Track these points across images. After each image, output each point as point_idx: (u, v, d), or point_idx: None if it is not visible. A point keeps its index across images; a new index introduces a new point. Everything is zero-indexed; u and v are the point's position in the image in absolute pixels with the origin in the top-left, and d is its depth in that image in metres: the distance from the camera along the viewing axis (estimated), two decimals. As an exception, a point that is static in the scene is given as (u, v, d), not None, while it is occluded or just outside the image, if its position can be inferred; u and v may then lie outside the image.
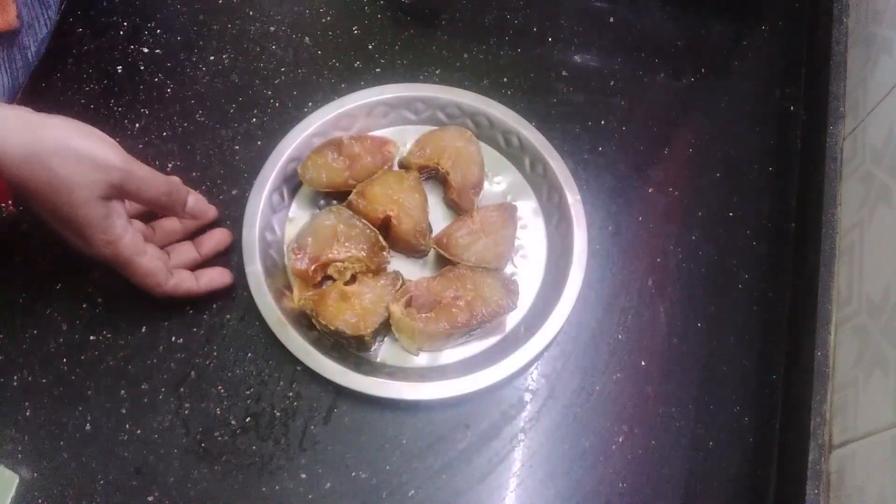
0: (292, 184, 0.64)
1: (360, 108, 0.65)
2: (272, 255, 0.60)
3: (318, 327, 0.57)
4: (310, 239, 0.59)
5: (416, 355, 0.59)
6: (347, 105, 0.64)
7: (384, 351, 0.59)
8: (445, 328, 0.56)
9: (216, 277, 0.58)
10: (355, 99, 0.65)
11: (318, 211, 0.62)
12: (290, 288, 0.60)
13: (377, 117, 0.66)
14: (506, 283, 0.58)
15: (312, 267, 0.58)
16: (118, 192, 0.49)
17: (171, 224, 0.58)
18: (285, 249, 0.61)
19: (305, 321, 0.58)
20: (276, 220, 0.62)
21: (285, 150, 0.62)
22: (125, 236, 0.50)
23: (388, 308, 0.56)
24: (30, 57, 0.61)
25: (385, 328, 0.58)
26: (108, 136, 0.49)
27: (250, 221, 0.60)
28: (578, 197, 0.62)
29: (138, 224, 0.55)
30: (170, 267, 0.55)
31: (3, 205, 0.46)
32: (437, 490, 0.56)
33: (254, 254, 0.58)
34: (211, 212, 0.59)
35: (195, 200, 0.56)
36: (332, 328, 0.55)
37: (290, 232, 0.62)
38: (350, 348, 0.58)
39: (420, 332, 0.56)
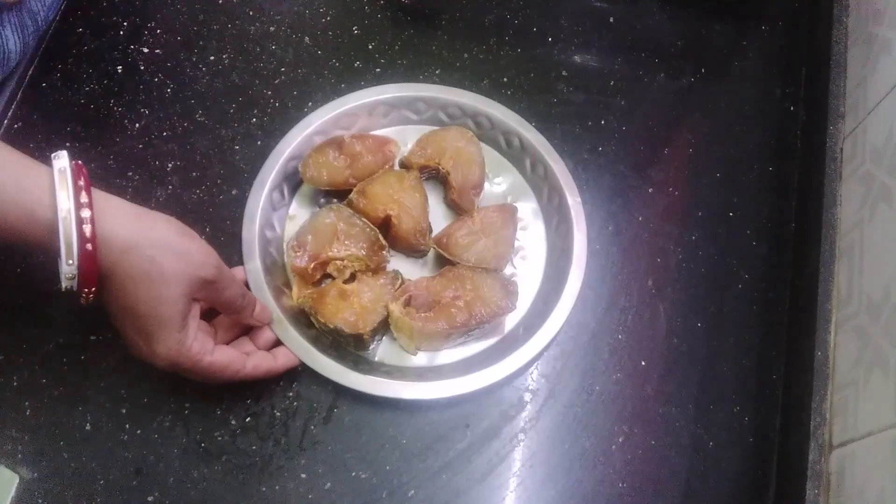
0: (293, 182, 0.64)
1: (361, 107, 0.65)
2: (272, 253, 0.60)
3: (316, 325, 0.57)
4: (310, 237, 0.59)
5: (415, 355, 0.59)
6: (349, 104, 0.64)
7: (382, 350, 0.59)
8: (444, 328, 0.56)
9: (290, 355, 0.56)
10: (357, 98, 0.65)
11: (318, 209, 0.62)
12: (289, 286, 0.60)
13: (378, 117, 0.66)
14: (505, 284, 0.58)
15: (312, 265, 0.58)
16: (206, 290, 0.49)
17: (228, 321, 0.56)
18: (285, 247, 0.61)
19: (304, 319, 0.58)
20: (276, 218, 0.62)
21: (286, 148, 0.62)
22: (198, 338, 0.49)
23: (387, 307, 0.56)
24: (39, 21, 0.62)
25: (384, 327, 0.58)
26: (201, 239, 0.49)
27: (250, 218, 0.60)
28: (578, 199, 0.62)
29: (203, 324, 0.53)
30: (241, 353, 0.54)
31: (85, 291, 0.45)
32: (437, 490, 0.56)
33: (253, 251, 0.58)
34: (269, 318, 0.57)
35: (261, 307, 0.55)
36: (331, 326, 0.55)
37: (290, 230, 0.62)
38: (348, 347, 0.58)
39: (419, 332, 0.56)
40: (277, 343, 0.56)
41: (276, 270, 0.60)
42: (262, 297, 0.57)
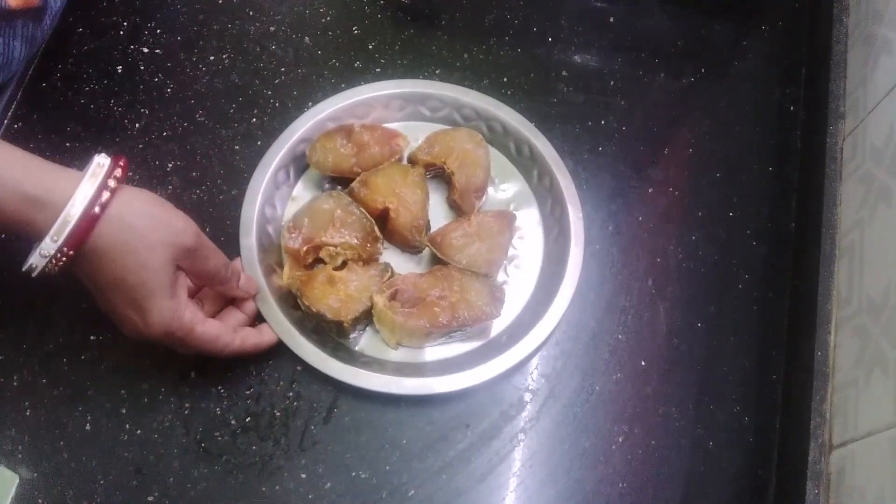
0: (300, 164, 0.64)
1: (378, 98, 0.65)
2: (269, 232, 0.61)
3: (301, 308, 0.58)
4: (306, 220, 0.59)
5: (395, 349, 0.59)
6: (366, 94, 0.65)
7: (364, 341, 0.59)
8: (425, 326, 0.56)
9: (272, 333, 0.56)
10: (374, 89, 0.65)
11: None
12: (281, 265, 0.60)
13: (393, 110, 0.66)
14: (493, 291, 0.58)
15: (305, 248, 0.59)
16: (190, 258, 0.49)
17: (214, 294, 0.56)
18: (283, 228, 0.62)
19: (291, 300, 0.58)
20: (278, 197, 0.62)
21: (298, 129, 0.63)
22: (188, 307, 0.50)
23: (372, 298, 0.57)
24: (45, 30, 0.63)
25: (366, 318, 0.58)
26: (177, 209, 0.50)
27: (252, 195, 0.60)
28: (580, 214, 0.62)
29: (190, 300, 0.53)
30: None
31: (64, 249, 0.45)
32: (437, 490, 0.56)
33: (251, 227, 0.59)
34: (255, 289, 0.57)
35: (246, 278, 0.56)
36: (314, 310, 0.56)
37: (291, 211, 0.63)
38: (330, 333, 0.58)
39: (400, 327, 0.56)
40: (262, 316, 0.57)
41: (272, 250, 0.60)
42: (253, 273, 0.57)
